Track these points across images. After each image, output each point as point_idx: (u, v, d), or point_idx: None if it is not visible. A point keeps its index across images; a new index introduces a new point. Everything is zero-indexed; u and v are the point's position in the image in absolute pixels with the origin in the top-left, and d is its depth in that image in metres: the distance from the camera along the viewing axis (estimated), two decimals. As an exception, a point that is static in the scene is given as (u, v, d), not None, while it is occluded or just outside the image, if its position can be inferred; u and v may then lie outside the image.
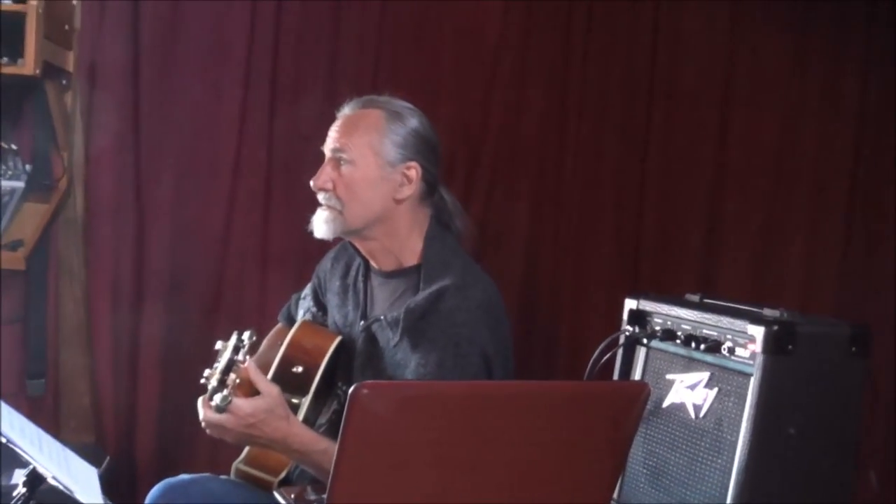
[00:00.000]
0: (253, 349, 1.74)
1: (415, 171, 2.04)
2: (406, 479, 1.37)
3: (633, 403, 1.44)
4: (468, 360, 1.91)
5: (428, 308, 1.96)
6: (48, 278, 3.09)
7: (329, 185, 2.05)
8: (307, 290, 2.39)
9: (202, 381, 1.74)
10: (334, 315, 2.20)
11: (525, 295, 3.25)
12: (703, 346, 1.53)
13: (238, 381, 1.70)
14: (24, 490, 1.81)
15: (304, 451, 1.83)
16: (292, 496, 1.65)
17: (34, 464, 1.69)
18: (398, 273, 2.10)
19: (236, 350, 1.66)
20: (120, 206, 3.16)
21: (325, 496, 1.60)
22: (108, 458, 3.08)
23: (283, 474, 2.05)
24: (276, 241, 3.22)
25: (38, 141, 3.03)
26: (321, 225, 2.08)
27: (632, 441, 1.47)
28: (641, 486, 1.55)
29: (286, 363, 2.05)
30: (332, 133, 2.09)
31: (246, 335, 1.70)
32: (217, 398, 1.64)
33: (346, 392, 2.09)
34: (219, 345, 1.77)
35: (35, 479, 1.82)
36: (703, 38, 3.25)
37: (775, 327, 1.40)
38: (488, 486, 1.42)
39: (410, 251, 2.08)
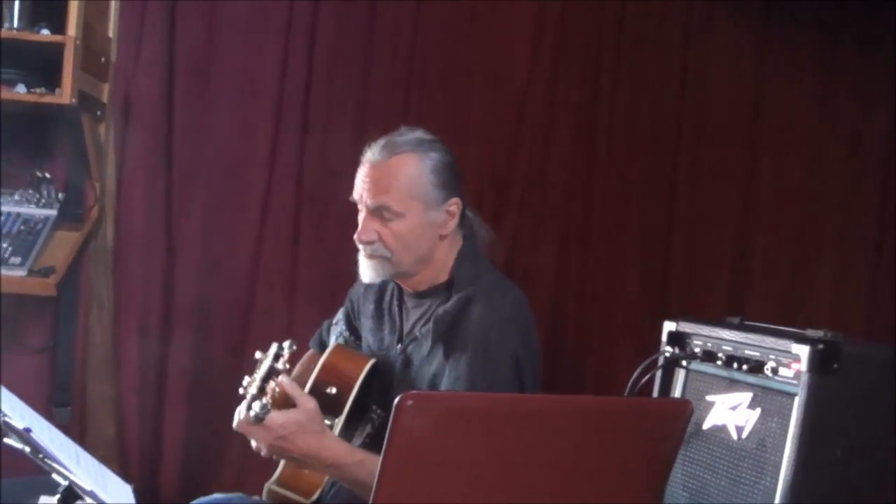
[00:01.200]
0: (293, 360, 1.73)
1: (456, 206, 2.06)
2: (448, 490, 1.36)
3: (677, 421, 1.44)
4: (499, 365, 1.92)
5: (457, 314, 1.97)
6: (78, 306, 3.10)
7: (374, 237, 2.04)
8: (339, 316, 2.39)
9: (240, 390, 1.73)
10: (368, 339, 2.21)
11: (552, 334, 3.25)
12: (745, 367, 1.53)
13: (277, 389, 1.69)
14: (57, 506, 1.81)
15: (338, 465, 1.81)
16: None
17: (72, 478, 1.68)
18: (430, 292, 2.11)
19: (276, 358, 1.65)
20: (150, 237, 3.19)
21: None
22: (131, 487, 3.07)
23: (315, 496, 2.04)
24: (304, 275, 3.24)
25: (71, 170, 3.06)
26: (369, 272, 2.08)
27: (674, 460, 1.46)
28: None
29: (320, 384, 2.05)
30: (366, 185, 2.05)
31: (286, 344, 1.70)
32: (256, 406, 1.63)
33: (380, 416, 2.11)
34: (258, 355, 1.77)
35: (70, 497, 1.82)
36: (730, 80, 3.28)
37: (821, 346, 1.39)
38: (528, 499, 1.41)
39: (441, 269, 2.10)
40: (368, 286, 2.26)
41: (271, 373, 1.64)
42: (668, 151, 3.30)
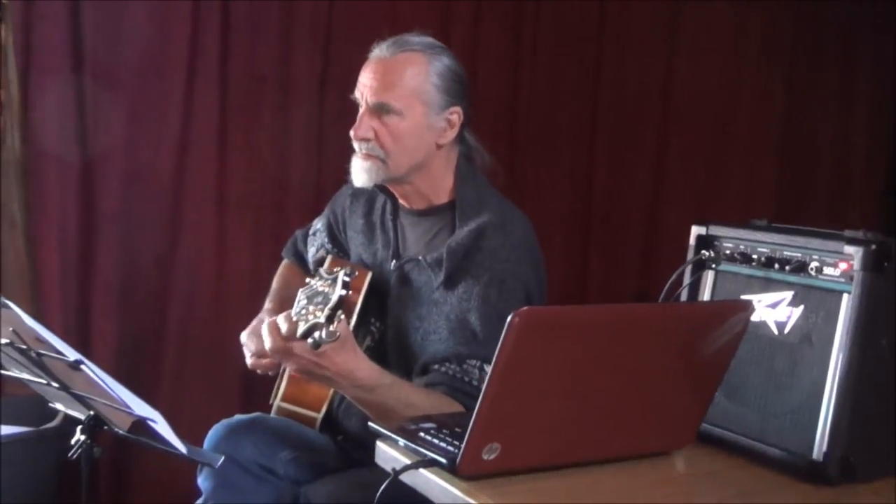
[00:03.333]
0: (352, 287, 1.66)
1: (457, 115, 2.03)
2: (547, 397, 1.42)
3: (739, 321, 1.53)
4: (513, 296, 1.93)
5: (470, 246, 1.95)
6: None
7: (371, 135, 1.99)
8: (318, 226, 2.35)
9: (294, 317, 1.67)
10: (360, 253, 2.18)
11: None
12: (787, 267, 1.62)
13: (343, 317, 1.64)
14: (83, 437, 1.75)
15: (370, 386, 1.78)
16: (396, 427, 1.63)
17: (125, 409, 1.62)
18: (431, 211, 2.09)
19: (345, 286, 1.60)
20: (63, 147, 2.99)
21: (424, 424, 1.63)
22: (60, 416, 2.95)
23: (324, 409, 2.04)
24: (234, 185, 3.15)
25: (-34, 76, 2.83)
26: (361, 174, 2.03)
27: (733, 356, 1.55)
28: (719, 402, 1.63)
29: None
30: (370, 81, 2.00)
31: (348, 270, 1.64)
32: (325, 333, 1.57)
33: (379, 328, 2.11)
34: (315, 282, 1.69)
35: (96, 425, 1.76)
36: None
37: (873, 246, 1.50)
38: (617, 401, 1.49)
39: (443, 189, 2.08)
40: (354, 199, 2.22)
41: (341, 302, 1.59)
42: (591, 61, 3.35)
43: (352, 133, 2.02)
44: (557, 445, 1.49)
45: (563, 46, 3.34)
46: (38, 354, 1.59)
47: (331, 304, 1.57)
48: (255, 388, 3.18)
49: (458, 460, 1.42)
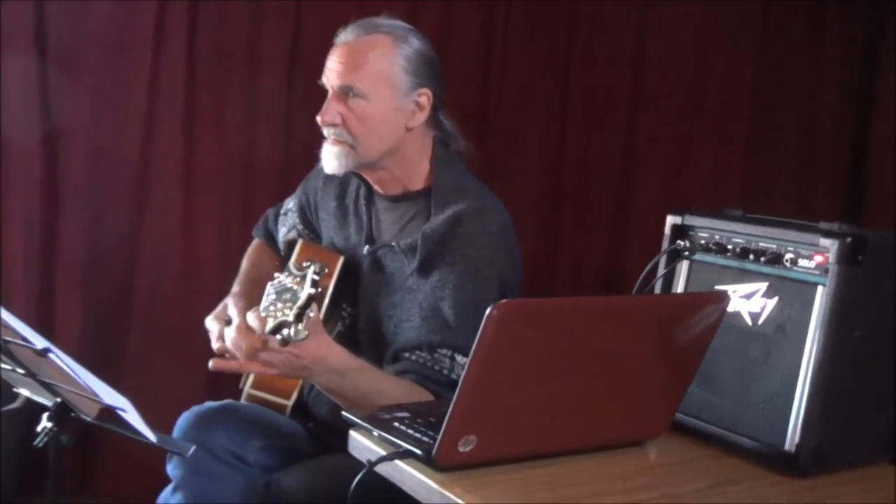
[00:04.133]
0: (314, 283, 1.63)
1: (426, 97, 1.99)
2: (523, 388, 1.42)
3: (716, 311, 1.53)
4: (488, 284, 1.92)
5: (446, 232, 1.93)
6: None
7: (338, 120, 1.96)
8: (290, 206, 2.32)
9: (262, 313, 1.64)
10: (332, 236, 2.16)
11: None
12: (762, 259, 1.62)
13: (312, 316, 1.61)
14: (49, 425, 1.72)
15: (342, 371, 1.77)
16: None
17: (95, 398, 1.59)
18: (405, 197, 2.06)
19: (314, 284, 1.58)
20: (26, 121, 2.93)
21: (398, 413, 1.62)
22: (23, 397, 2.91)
23: (294, 396, 2.03)
24: (201, 163, 3.10)
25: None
26: (332, 161, 2.00)
27: (708, 346, 1.56)
28: (692, 392, 1.64)
29: None
30: (335, 65, 1.97)
31: (318, 267, 1.61)
32: (294, 331, 1.55)
33: (350, 314, 2.10)
34: (284, 278, 1.67)
35: (62, 413, 1.73)
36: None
37: (848, 240, 1.51)
38: (593, 392, 1.49)
39: (418, 175, 2.05)
40: (327, 181, 2.19)
41: (311, 301, 1.57)
42: (563, 43, 3.33)
43: (318, 119, 1.99)
44: (533, 436, 1.49)
45: (534, 29, 3.31)
46: (5, 342, 1.55)
47: (299, 303, 1.56)
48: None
49: (434, 452, 1.41)
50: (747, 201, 3.42)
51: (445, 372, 1.88)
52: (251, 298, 2.16)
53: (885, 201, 3.19)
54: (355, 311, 2.07)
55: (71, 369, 1.52)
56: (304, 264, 1.63)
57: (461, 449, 1.42)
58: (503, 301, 1.31)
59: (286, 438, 1.99)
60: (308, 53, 3.10)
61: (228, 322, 2.11)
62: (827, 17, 3.39)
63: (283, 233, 2.32)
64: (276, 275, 1.70)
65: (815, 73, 3.45)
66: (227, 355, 2.12)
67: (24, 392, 1.86)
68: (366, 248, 2.07)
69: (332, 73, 1.98)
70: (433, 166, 2.05)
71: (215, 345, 2.10)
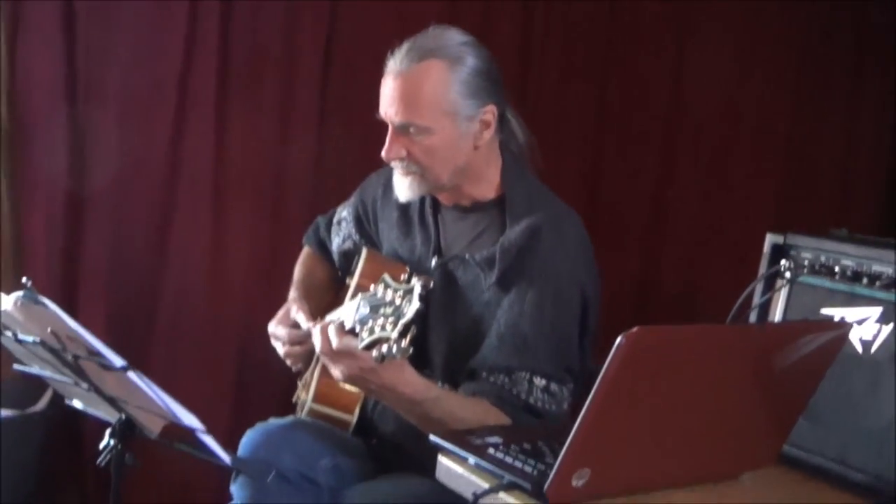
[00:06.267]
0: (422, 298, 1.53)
1: (490, 114, 1.90)
2: (641, 420, 1.34)
3: (837, 339, 1.45)
4: (569, 302, 1.85)
5: (524, 246, 1.85)
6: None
7: (403, 154, 1.88)
8: (344, 214, 2.23)
9: (354, 325, 1.54)
10: (395, 247, 2.07)
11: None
12: (878, 283, 1.54)
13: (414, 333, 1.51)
14: (113, 442, 1.62)
15: (416, 401, 1.69)
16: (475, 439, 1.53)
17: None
18: (475, 208, 1.98)
19: (422, 300, 1.47)
20: (52, 119, 2.82)
21: (489, 438, 1.53)
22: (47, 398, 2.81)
23: (356, 411, 1.95)
24: (232, 167, 2.99)
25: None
26: (405, 191, 1.94)
27: (821, 380, 1.48)
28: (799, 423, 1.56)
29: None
30: (392, 103, 1.87)
31: (423, 281, 1.51)
32: (397, 349, 1.45)
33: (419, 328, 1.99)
34: (380, 290, 1.56)
35: (126, 430, 1.62)
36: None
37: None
38: (706, 423, 1.42)
39: (488, 185, 1.97)
40: (387, 190, 2.10)
41: (417, 318, 1.46)
42: (600, 54, 3.25)
43: (383, 155, 1.91)
44: (643, 469, 1.42)
45: (572, 37, 3.23)
46: (76, 357, 1.45)
47: (405, 320, 1.46)
48: (250, 379, 3.06)
49: (546, 486, 1.32)
50: (783, 217, 3.41)
51: (523, 396, 1.80)
52: (310, 303, 2.09)
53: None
54: (424, 327, 1.97)
55: (150, 388, 1.42)
56: (403, 277, 1.54)
57: (574, 483, 1.34)
58: (634, 329, 1.22)
59: (353, 457, 1.90)
60: (343, 54, 3.02)
61: (294, 326, 2.03)
62: (869, 24, 3.32)
63: (337, 243, 2.23)
64: (373, 286, 1.58)
65: (856, 83, 3.37)
66: (289, 362, 2.06)
67: (78, 404, 1.75)
68: (434, 261, 1.97)
69: (389, 110, 1.88)
70: (503, 175, 1.97)
71: (281, 350, 2.02)
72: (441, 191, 1.97)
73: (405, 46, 1.87)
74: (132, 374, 1.42)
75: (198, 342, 3.00)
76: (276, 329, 2.05)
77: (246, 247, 3.02)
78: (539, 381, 1.80)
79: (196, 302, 3.00)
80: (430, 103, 1.84)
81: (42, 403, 2.77)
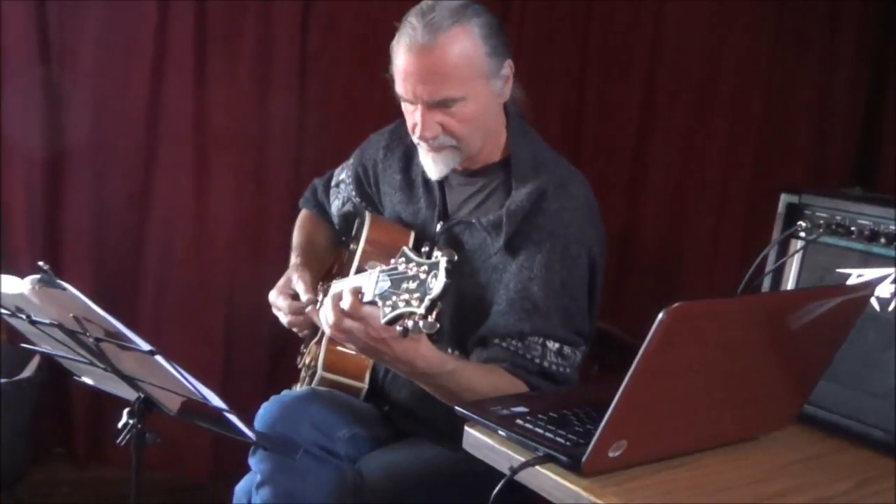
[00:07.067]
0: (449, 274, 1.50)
1: (509, 67, 1.87)
2: (677, 390, 1.35)
3: (859, 304, 1.47)
4: (577, 262, 1.84)
5: (531, 209, 1.83)
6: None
7: (438, 131, 1.83)
8: (342, 177, 2.19)
9: (375, 299, 1.51)
10: (398, 211, 2.04)
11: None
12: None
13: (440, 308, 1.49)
14: (132, 421, 1.59)
15: (431, 374, 1.68)
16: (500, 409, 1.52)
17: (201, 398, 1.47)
18: (481, 172, 1.95)
19: (449, 275, 1.44)
20: (27, 73, 2.74)
21: (516, 408, 1.53)
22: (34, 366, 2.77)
23: (367, 378, 1.94)
24: (213, 120, 2.93)
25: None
26: (438, 167, 1.89)
27: (844, 341, 1.50)
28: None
29: (365, 263, 1.89)
30: (421, 79, 1.78)
31: (448, 254, 1.47)
32: (420, 325, 1.42)
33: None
34: (401, 264, 1.51)
35: (145, 408, 1.60)
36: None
37: None
38: (737, 389, 1.43)
39: (497, 146, 1.94)
40: (388, 152, 2.06)
41: (445, 294, 1.43)
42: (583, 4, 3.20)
43: (416, 137, 1.86)
44: (677, 437, 1.44)
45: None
46: (97, 340, 1.42)
47: (432, 296, 1.43)
48: (239, 335, 3.04)
49: (584, 459, 1.33)
50: (760, 167, 3.41)
51: (537, 360, 1.80)
52: (311, 270, 2.06)
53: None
54: None
55: (176, 370, 1.39)
56: (424, 250, 1.51)
57: (611, 454, 1.34)
58: (676, 305, 1.22)
59: (368, 425, 1.89)
60: (323, 4, 2.94)
61: (294, 296, 2.01)
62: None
63: (336, 205, 2.20)
64: (392, 261, 1.54)
65: (833, 29, 3.36)
66: (294, 330, 2.04)
67: (89, 381, 1.72)
68: (439, 225, 1.95)
69: (420, 89, 1.80)
70: (510, 136, 1.94)
71: (284, 319, 2.00)
72: (468, 158, 1.93)
73: (416, 23, 1.79)
74: (159, 358, 1.39)
75: (186, 298, 2.98)
76: (277, 299, 2.02)
77: (229, 199, 2.98)
78: (552, 345, 1.80)
79: (181, 260, 2.97)
80: (463, 71, 1.79)
81: (30, 370, 2.73)
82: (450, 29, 1.78)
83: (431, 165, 1.90)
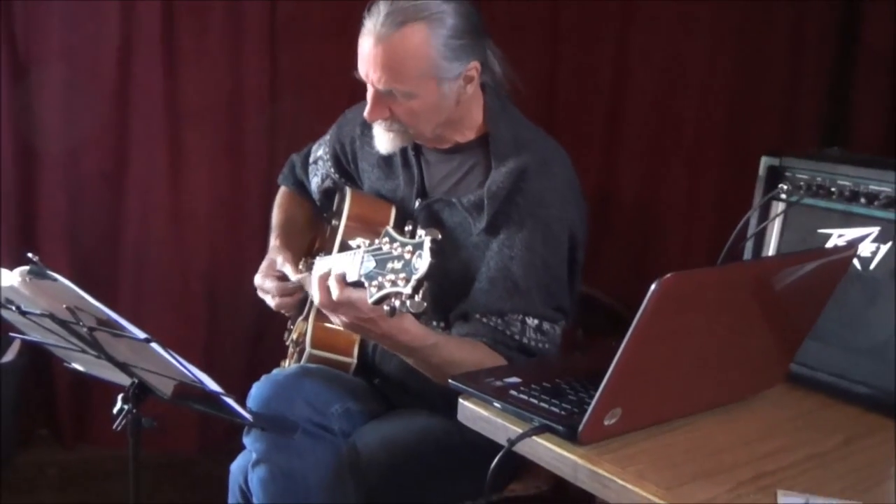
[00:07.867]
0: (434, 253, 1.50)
1: (474, 70, 1.85)
2: (670, 358, 1.37)
3: (842, 265, 1.49)
4: (559, 241, 1.85)
5: (511, 188, 1.84)
6: None
7: (386, 115, 1.85)
8: (320, 153, 2.18)
9: (360, 279, 1.51)
10: (377, 188, 2.04)
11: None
12: (876, 202, 1.58)
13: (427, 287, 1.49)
14: (127, 406, 1.60)
15: (414, 348, 1.71)
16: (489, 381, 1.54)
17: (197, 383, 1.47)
18: (459, 149, 1.95)
19: (434, 255, 1.44)
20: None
21: (508, 379, 1.55)
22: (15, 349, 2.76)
23: (355, 352, 1.96)
24: (185, 95, 2.90)
25: None
26: (387, 143, 1.91)
27: (828, 300, 1.52)
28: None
29: (349, 239, 1.90)
30: (372, 66, 1.79)
31: (432, 234, 1.47)
32: (411, 304, 1.43)
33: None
34: (384, 244, 1.51)
35: (140, 394, 1.61)
36: None
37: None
38: (728, 354, 1.46)
39: (470, 127, 1.94)
40: (366, 129, 2.03)
41: (431, 273, 1.43)
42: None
43: (366, 116, 1.88)
44: (671, 402, 1.46)
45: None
46: (91, 329, 1.42)
47: (418, 276, 1.43)
48: (220, 311, 3.03)
49: (581, 428, 1.35)
50: (735, 119, 3.42)
51: (517, 337, 1.83)
52: (292, 250, 2.06)
53: (873, 120, 3.15)
54: None
55: (173, 357, 1.40)
56: (408, 229, 1.51)
57: (606, 423, 1.37)
58: (668, 276, 1.23)
59: (360, 399, 1.91)
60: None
61: (281, 278, 2.01)
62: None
63: (316, 182, 2.20)
64: (376, 240, 1.55)
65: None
66: (283, 312, 2.04)
67: (79, 367, 1.72)
68: (418, 202, 1.96)
69: (371, 74, 1.81)
70: (486, 116, 1.94)
71: (272, 302, 2.01)
72: (426, 141, 1.95)
73: (383, 8, 1.78)
74: (155, 346, 1.39)
75: (164, 278, 2.97)
76: (263, 282, 2.03)
77: (205, 177, 2.97)
78: (532, 321, 1.82)
79: (159, 237, 2.96)
80: (412, 69, 1.78)
81: (11, 354, 2.72)
82: (408, 26, 1.76)
83: (381, 140, 1.92)
